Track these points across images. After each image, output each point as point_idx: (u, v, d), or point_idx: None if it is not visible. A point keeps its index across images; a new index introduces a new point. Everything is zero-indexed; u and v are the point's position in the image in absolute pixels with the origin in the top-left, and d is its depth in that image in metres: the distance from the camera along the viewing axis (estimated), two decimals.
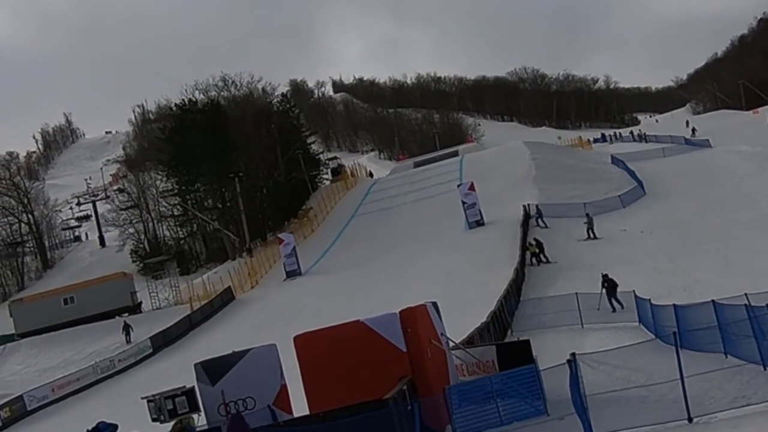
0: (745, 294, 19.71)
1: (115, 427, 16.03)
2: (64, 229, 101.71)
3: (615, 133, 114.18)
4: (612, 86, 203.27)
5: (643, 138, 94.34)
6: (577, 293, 28.53)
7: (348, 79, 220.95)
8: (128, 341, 49.48)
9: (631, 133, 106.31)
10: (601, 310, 28.24)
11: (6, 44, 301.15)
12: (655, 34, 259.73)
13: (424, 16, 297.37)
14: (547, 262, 40.07)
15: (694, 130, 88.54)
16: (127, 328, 50.80)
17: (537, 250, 40.62)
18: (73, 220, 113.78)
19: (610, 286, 29.27)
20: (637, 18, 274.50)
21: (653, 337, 21.83)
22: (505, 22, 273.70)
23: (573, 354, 14.12)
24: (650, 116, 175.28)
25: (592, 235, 44.47)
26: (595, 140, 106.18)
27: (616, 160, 70.02)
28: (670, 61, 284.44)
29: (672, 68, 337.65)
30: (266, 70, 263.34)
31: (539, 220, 48.95)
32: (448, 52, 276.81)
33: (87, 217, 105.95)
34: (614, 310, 28.43)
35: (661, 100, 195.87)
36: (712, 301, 18.57)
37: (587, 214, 46.20)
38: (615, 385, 14.83)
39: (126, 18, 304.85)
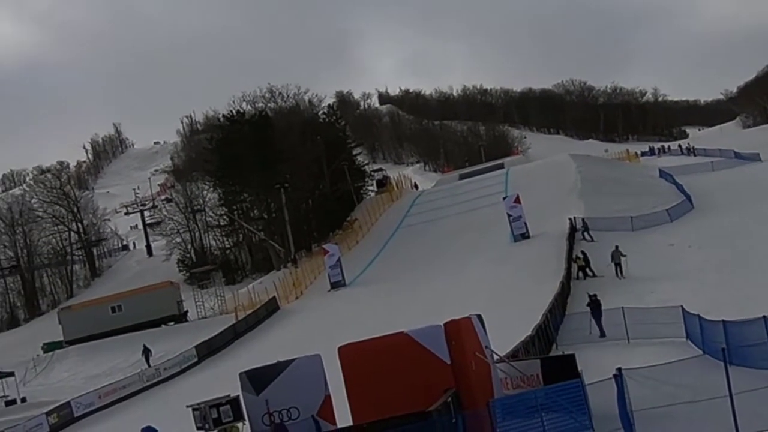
0: None
1: None
2: (95, 243, 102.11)
3: (663, 146, 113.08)
4: (660, 99, 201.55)
5: (691, 151, 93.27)
6: (623, 307, 28.17)
7: (394, 91, 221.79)
8: (149, 365, 47.57)
9: (680, 146, 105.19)
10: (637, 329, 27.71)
11: (59, 57, 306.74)
12: (704, 46, 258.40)
13: (462, 28, 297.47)
14: (593, 275, 39.71)
15: None
16: (146, 352, 49.10)
17: (583, 264, 40.31)
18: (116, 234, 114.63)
19: (594, 307, 28.91)
20: (686, 30, 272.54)
21: (701, 352, 21.53)
22: (553, 35, 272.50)
23: (619, 369, 14.00)
24: (699, 129, 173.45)
25: (590, 273, 40.00)
26: (643, 153, 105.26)
27: (664, 174, 69.27)
28: (720, 73, 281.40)
29: (721, 81, 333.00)
30: (309, 83, 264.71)
31: (585, 234, 48.55)
32: (491, 64, 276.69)
33: (153, 224, 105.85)
34: (602, 335, 27.93)
35: (710, 113, 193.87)
36: (764, 316, 18.27)
37: (582, 251, 42.20)
38: (662, 401, 14.63)
39: (174, 32, 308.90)
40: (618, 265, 39.11)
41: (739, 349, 19.21)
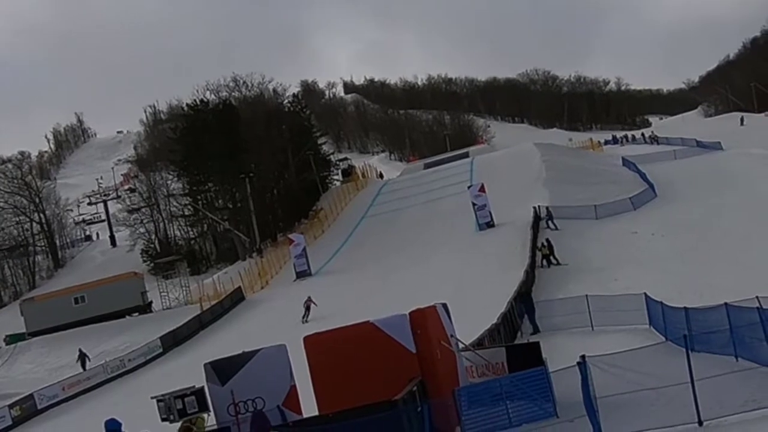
0: (757, 297, 19.58)
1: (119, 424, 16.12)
2: (77, 223, 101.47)
3: (626, 135, 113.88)
4: (623, 88, 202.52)
5: (654, 140, 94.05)
6: (587, 295, 28.38)
7: (359, 80, 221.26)
8: (84, 370, 45.19)
9: (642, 135, 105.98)
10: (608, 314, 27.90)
11: (17, 44, 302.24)
12: (667, 36, 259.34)
13: (424, 17, 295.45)
14: (558, 264, 39.97)
15: None
16: (82, 357, 47.14)
17: (548, 252, 40.55)
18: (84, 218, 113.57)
19: (526, 302, 29.17)
20: (649, 20, 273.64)
21: (664, 339, 21.74)
22: (517, 24, 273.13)
23: (583, 356, 14.08)
24: (661, 118, 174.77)
25: (554, 261, 40.03)
26: (606, 142, 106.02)
27: (627, 162, 69.86)
28: (682, 63, 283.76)
29: (683, 70, 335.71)
30: (273, 72, 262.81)
31: (550, 222, 48.83)
32: (455, 53, 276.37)
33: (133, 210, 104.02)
34: (533, 332, 27.92)
35: (672, 103, 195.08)
36: (725, 303, 18.47)
37: (546, 239, 42.08)
38: (625, 388, 14.73)
39: (136, 20, 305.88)
40: (552, 255, 34.89)
41: (700, 336, 19.41)
